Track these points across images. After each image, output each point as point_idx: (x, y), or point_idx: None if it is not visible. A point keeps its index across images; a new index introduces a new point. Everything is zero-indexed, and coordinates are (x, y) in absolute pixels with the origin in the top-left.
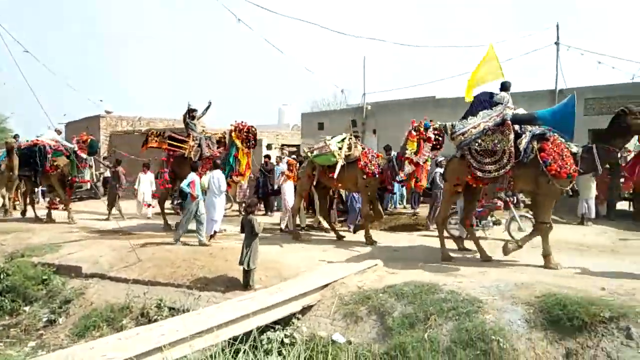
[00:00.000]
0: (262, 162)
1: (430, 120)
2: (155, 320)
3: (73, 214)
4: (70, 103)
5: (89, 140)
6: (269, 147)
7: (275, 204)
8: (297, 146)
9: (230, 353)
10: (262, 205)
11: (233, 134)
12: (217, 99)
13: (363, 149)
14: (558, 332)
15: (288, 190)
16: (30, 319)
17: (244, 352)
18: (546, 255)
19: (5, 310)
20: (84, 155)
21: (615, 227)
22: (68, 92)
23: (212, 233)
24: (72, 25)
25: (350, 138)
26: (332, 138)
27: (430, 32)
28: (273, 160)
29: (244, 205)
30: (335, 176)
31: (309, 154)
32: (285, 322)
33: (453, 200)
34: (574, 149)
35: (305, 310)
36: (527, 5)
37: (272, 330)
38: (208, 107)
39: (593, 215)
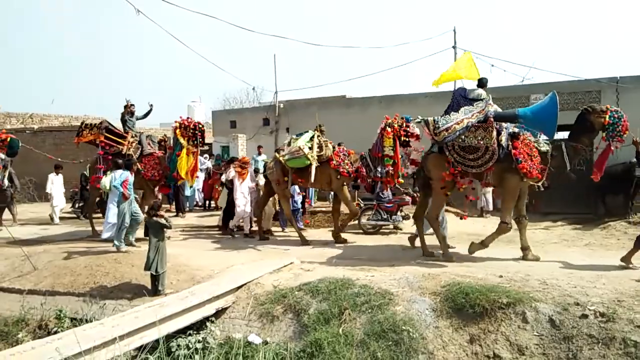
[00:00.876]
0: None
1: (401, 117)
2: (56, 332)
3: None
4: None
5: (8, 139)
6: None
7: (187, 204)
8: (210, 144)
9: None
10: (173, 206)
11: (177, 131)
12: (121, 95)
13: (333, 147)
14: (462, 319)
15: (240, 190)
16: None
17: None
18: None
19: None
20: (2, 155)
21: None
22: None
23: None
24: None
25: (319, 136)
26: (297, 136)
27: (339, 32)
28: None
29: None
30: (312, 179)
31: (281, 158)
32: (198, 326)
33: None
34: (544, 148)
35: (219, 313)
36: (428, 9)
37: (183, 336)
38: (149, 112)
39: (491, 208)
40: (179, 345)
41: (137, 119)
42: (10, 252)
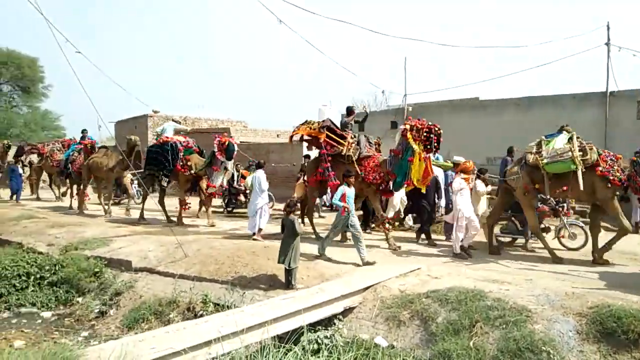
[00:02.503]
0: (302, 162)
1: None
2: (201, 315)
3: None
4: (119, 102)
5: (227, 143)
6: (309, 147)
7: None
8: None
9: (281, 352)
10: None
11: (408, 134)
12: (257, 100)
13: (598, 151)
14: (612, 346)
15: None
16: (83, 310)
17: (293, 352)
18: None
19: (60, 301)
20: (222, 159)
21: None
22: (116, 91)
23: (257, 230)
24: (122, 25)
25: (578, 137)
26: (548, 137)
27: (472, 33)
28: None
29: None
30: (581, 187)
31: (539, 161)
32: (326, 323)
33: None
34: None
35: (346, 312)
36: (576, 5)
37: (313, 330)
38: (365, 118)
39: None
40: (309, 339)
41: (356, 122)
42: (166, 240)
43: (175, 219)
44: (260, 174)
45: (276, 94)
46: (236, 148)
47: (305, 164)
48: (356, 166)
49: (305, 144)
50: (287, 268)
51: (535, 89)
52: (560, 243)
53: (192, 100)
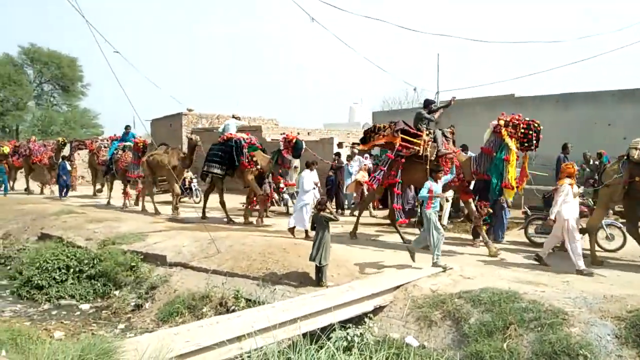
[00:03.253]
0: (334, 160)
1: None
2: (233, 310)
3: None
4: (154, 101)
5: (294, 140)
6: (339, 145)
7: (346, 202)
8: None
9: (313, 347)
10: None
11: (503, 130)
12: (287, 98)
13: None
14: None
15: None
16: (120, 303)
17: (326, 349)
18: None
19: (98, 293)
20: (289, 157)
21: None
22: (151, 90)
23: (292, 227)
24: (164, 25)
25: None
26: None
27: (507, 28)
28: (343, 158)
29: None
30: None
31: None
32: (356, 321)
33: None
34: None
35: (377, 310)
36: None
37: (343, 328)
38: (449, 104)
39: None
40: (340, 337)
41: (437, 113)
42: (200, 236)
43: (244, 218)
44: (306, 174)
45: (307, 92)
46: (304, 145)
47: (337, 162)
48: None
49: (336, 143)
50: (318, 265)
51: (567, 86)
52: (597, 244)
53: (224, 98)
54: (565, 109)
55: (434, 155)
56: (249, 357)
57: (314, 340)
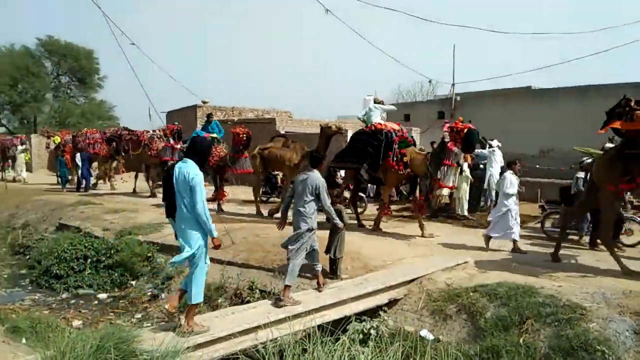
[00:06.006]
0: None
1: None
2: (248, 302)
3: None
4: (169, 92)
5: (466, 129)
6: None
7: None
8: None
9: (329, 339)
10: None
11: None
12: (300, 90)
13: None
14: None
15: None
16: (137, 293)
17: (342, 341)
18: None
19: (115, 283)
20: (456, 150)
21: None
22: (167, 82)
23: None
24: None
25: None
26: None
27: (524, 20)
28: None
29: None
30: None
31: None
32: (371, 314)
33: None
34: None
35: (391, 303)
36: None
37: (358, 321)
38: None
39: None
40: (355, 329)
41: None
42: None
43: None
44: (509, 175)
45: (321, 84)
46: (479, 136)
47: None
48: None
49: (349, 135)
50: (332, 257)
51: (584, 78)
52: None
53: (239, 90)
54: (583, 101)
55: None
56: (264, 347)
57: (329, 332)
